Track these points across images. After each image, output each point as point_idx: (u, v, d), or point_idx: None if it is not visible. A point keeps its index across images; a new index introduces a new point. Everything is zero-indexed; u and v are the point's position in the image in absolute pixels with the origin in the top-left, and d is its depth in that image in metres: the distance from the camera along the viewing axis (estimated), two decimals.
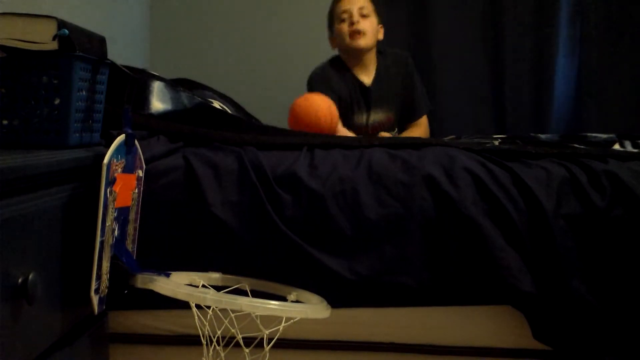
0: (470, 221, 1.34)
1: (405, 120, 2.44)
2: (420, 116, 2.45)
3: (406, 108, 2.43)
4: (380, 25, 2.39)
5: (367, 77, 2.38)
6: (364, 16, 2.32)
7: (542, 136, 1.93)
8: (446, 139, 2.02)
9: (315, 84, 2.34)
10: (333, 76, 2.35)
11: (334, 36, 2.39)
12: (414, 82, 2.45)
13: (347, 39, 2.32)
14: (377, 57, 2.41)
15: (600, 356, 1.37)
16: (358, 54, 2.35)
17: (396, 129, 2.41)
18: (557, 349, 1.37)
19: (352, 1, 2.34)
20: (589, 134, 1.89)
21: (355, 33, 2.30)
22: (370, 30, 2.32)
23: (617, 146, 1.73)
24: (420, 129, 2.45)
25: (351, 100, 2.35)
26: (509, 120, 2.74)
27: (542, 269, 1.34)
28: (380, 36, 2.40)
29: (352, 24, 2.30)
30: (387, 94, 2.39)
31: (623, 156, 1.50)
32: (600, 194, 1.37)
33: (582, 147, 1.62)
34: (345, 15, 2.32)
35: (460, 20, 2.78)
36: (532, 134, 2.03)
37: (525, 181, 1.37)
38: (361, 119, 2.37)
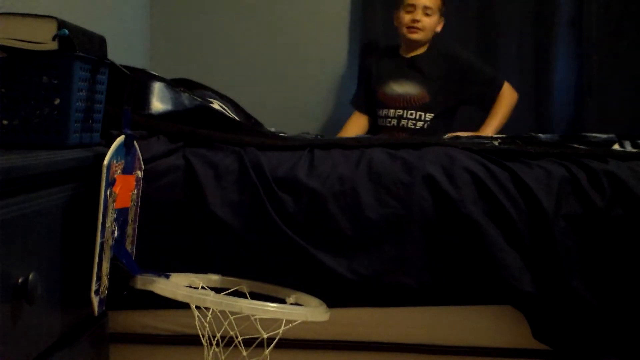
0: (470, 221, 1.34)
1: (484, 102, 2.50)
2: (497, 86, 2.48)
3: (477, 89, 2.50)
4: (441, 19, 2.53)
5: (411, 54, 2.55)
6: (427, 15, 2.48)
7: (542, 136, 1.92)
8: (446, 138, 2.02)
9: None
10: (383, 47, 2.67)
11: (396, 18, 2.57)
12: (470, 65, 2.51)
13: (404, 29, 2.50)
14: (429, 46, 2.54)
15: (600, 356, 1.37)
16: (410, 43, 2.52)
17: (431, 116, 2.47)
18: (557, 349, 1.37)
19: None
20: (589, 134, 1.88)
21: (413, 27, 2.48)
22: (428, 27, 2.49)
23: (617, 146, 1.72)
24: (506, 98, 2.48)
25: (389, 67, 2.55)
26: (509, 120, 2.74)
27: (542, 268, 1.34)
28: (438, 29, 2.54)
29: (413, 20, 2.46)
30: (425, 71, 2.49)
31: (623, 156, 1.50)
32: (600, 194, 1.37)
33: (582, 147, 1.62)
34: (410, 8, 2.48)
35: (459, 20, 2.78)
36: (532, 134, 2.03)
37: (525, 181, 1.37)
38: (393, 88, 2.52)
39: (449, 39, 2.65)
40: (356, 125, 2.61)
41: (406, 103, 2.49)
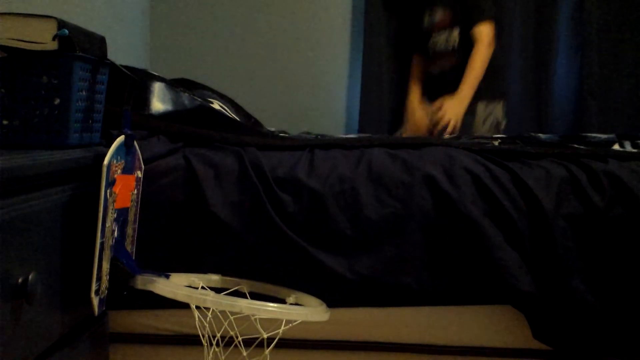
0: (470, 221, 1.35)
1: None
2: (473, 22, 2.47)
3: (466, 9, 2.52)
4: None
5: None
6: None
7: (542, 136, 1.93)
8: (446, 138, 2.02)
9: None
10: None
11: None
12: None
13: None
14: None
15: (600, 356, 1.37)
16: None
17: (457, 29, 2.52)
18: (557, 348, 1.37)
19: None
20: (589, 134, 1.88)
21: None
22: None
23: (617, 146, 1.72)
24: (478, 47, 2.47)
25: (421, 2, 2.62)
26: (509, 120, 2.74)
27: (542, 268, 1.34)
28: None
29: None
30: None
31: (623, 156, 1.50)
32: (600, 194, 1.37)
33: (582, 147, 1.62)
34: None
35: None
36: (532, 134, 2.03)
37: (525, 181, 1.37)
38: (427, 20, 2.59)
39: None
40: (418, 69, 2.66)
41: (437, 28, 2.55)
